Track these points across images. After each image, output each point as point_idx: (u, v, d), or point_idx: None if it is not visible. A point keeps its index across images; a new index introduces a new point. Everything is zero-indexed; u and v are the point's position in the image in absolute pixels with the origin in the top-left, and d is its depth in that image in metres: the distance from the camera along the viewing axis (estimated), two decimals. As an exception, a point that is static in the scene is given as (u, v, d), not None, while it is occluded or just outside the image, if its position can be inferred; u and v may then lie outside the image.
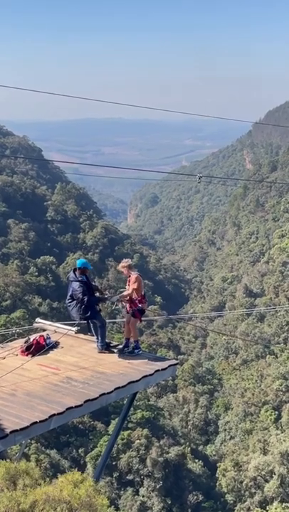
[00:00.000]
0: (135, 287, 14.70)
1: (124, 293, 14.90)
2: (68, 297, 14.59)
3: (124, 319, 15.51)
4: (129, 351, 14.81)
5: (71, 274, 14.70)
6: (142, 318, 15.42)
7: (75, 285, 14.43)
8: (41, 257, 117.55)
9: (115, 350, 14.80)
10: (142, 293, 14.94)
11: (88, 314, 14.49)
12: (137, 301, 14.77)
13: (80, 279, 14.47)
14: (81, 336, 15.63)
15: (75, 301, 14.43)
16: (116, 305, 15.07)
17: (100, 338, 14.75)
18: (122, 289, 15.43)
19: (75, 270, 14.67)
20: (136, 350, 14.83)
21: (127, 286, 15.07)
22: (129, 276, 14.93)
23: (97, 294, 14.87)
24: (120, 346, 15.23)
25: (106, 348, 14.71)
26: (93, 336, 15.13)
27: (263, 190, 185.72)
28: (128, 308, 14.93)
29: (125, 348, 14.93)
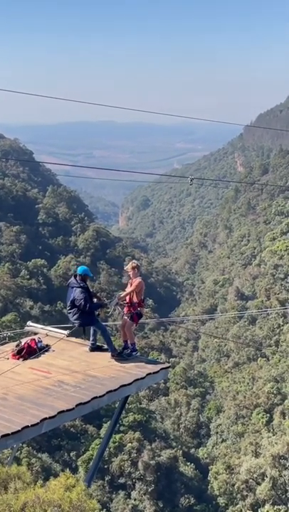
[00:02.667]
0: (137, 290, 14.74)
1: (122, 294, 14.92)
2: (69, 303, 14.61)
3: (120, 322, 15.52)
4: (127, 354, 14.84)
5: (72, 280, 14.72)
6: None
7: (78, 291, 14.44)
8: (32, 260, 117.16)
9: (107, 359, 14.74)
10: (142, 297, 14.99)
11: (88, 321, 14.54)
12: (136, 305, 14.81)
13: (81, 285, 14.49)
14: (73, 339, 15.62)
15: (76, 308, 14.46)
16: (114, 309, 15.05)
17: (108, 346, 14.93)
18: (114, 292, 15.40)
19: (76, 276, 14.68)
20: (133, 353, 14.89)
21: (127, 289, 15.07)
22: (133, 278, 14.96)
23: (95, 301, 14.90)
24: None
25: (117, 353, 14.80)
26: (88, 340, 15.18)
27: (255, 193, 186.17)
28: (125, 311, 14.92)
29: (124, 350, 14.96)
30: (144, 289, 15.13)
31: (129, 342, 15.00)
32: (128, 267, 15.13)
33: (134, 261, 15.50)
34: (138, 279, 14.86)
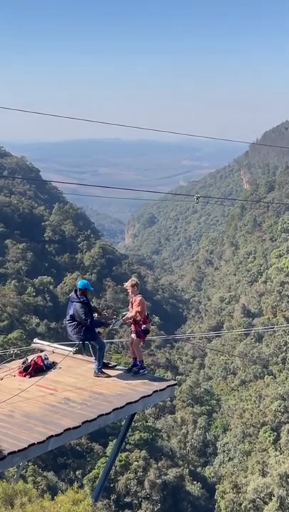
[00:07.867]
0: (139, 310, 14.71)
1: (128, 315, 14.89)
2: (68, 317, 14.50)
3: (127, 340, 15.49)
4: (134, 371, 14.81)
5: (72, 295, 14.64)
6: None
7: (78, 306, 14.34)
8: (39, 277, 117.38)
9: (112, 375, 14.72)
10: (146, 314, 14.96)
11: (89, 336, 14.46)
12: (141, 322, 14.80)
13: (81, 299, 14.43)
14: (79, 356, 15.60)
15: (75, 322, 14.37)
16: (120, 326, 15.04)
17: (97, 361, 14.72)
18: (120, 310, 15.39)
19: (76, 291, 14.64)
20: (141, 371, 14.85)
21: (130, 308, 15.06)
22: (133, 296, 14.93)
23: (95, 315, 14.83)
24: (118, 366, 15.25)
25: (102, 372, 14.66)
26: (90, 356, 15.11)
27: (260, 210, 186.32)
28: (132, 329, 14.93)
29: (134, 368, 14.95)
30: (147, 305, 15.14)
31: (137, 359, 14.99)
32: (127, 284, 15.04)
33: (133, 278, 15.47)
34: (138, 297, 14.84)
